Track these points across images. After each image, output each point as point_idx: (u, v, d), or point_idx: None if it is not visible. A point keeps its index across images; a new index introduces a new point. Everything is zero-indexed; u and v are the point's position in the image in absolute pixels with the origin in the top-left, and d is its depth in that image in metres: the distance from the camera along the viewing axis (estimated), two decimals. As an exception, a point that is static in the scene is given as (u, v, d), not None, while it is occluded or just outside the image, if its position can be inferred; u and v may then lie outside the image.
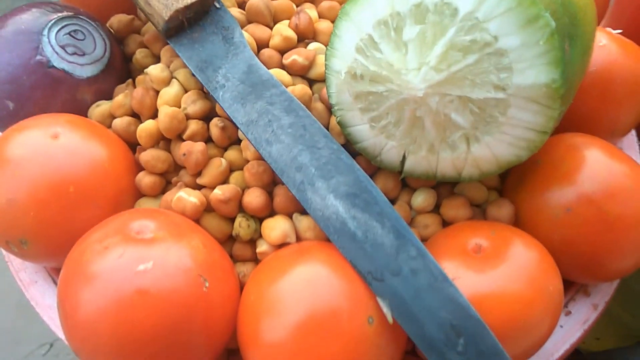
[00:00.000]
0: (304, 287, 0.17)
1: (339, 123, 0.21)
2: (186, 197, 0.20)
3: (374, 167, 0.21)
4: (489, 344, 0.16)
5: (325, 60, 0.20)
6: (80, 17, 0.25)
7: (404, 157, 0.20)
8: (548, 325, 0.18)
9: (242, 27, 0.23)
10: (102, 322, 0.16)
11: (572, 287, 0.22)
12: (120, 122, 0.22)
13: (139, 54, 0.25)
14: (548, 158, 0.21)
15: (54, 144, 0.20)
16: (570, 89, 0.17)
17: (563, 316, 0.21)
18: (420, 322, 0.17)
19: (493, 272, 0.18)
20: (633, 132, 0.27)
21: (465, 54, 0.17)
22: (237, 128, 0.21)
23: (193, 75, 0.22)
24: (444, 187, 0.22)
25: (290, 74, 0.22)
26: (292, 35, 0.23)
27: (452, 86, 0.17)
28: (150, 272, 0.17)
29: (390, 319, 0.17)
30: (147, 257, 0.17)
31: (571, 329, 0.21)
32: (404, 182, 0.22)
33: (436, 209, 0.22)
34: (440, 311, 0.17)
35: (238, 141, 0.22)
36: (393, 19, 0.17)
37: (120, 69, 0.25)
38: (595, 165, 0.20)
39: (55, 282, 0.22)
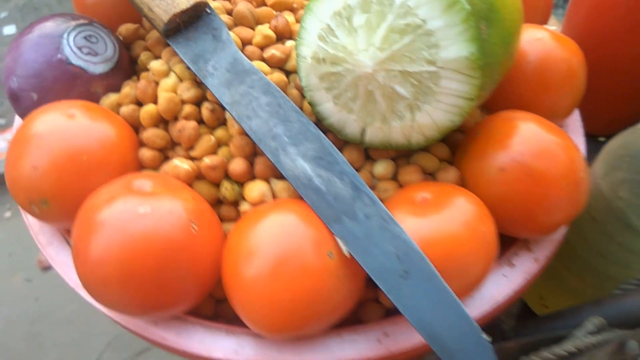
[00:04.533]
0: (275, 230, 0.21)
1: (309, 103, 0.24)
2: (180, 164, 0.24)
3: (341, 141, 0.25)
4: (427, 271, 0.20)
5: (295, 49, 0.24)
6: (95, 24, 0.29)
7: (364, 130, 0.24)
8: (482, 265, 0.21)
9: (230, 29, 0.28)
10: (108, 257, 0.20)
11: (515, 243, 0.25)
12: (126, 109, 0.26)
13: (143, 56, 0.29)
14: (486, 130, 0.24)
15: (70, 122, 0.24)
16: (492, 64, 0.21)
17: (507, 268, 0.24)
18: (371, 256, 0.20)
19: (433, 216, 0.21)
20: (578, 118, 0.31)
21: (402, 35, 0.21)
22: (224, 109, 0.25)
23: (188, 68, 0.26)
24: (402, 158, 0.25)
25: (269, 66, 0.26)
26: (272, 34, 0.27)
27: (394, 62, 0.21)
28: (148, 215, 0.20)
29: (346, 253, 0.21)
30: (146, 204, 0.21)
31: (514, 278, 0.24)
32: (368, 154, 0.26)
33: (395, 177, 0.25)
34: (387, 246, 0.20)
35: (225, 123, 0.26)
36: (345, 10, 0.21)
37: (128, 68, 0.30)
38: (526, 131, 0.23)
39: (68, 243, 0.26)
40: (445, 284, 0.20)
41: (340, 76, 0.23)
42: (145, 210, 0.20)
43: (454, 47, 0.20)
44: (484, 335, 0.19)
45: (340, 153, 0.22)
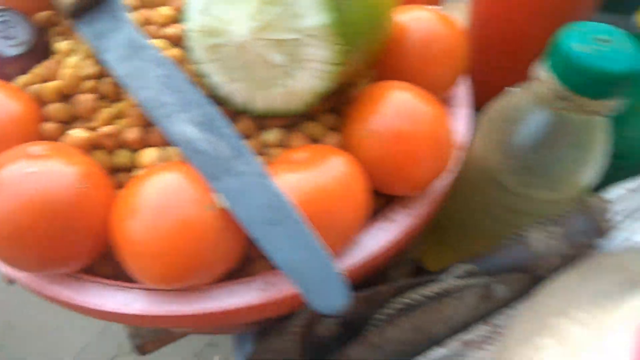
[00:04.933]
0: (158, 187, 0.23)
1: (200, 75, 0.26)
2: (76, 133, 0.25)
3: (232, 111, 0.27)
4: (294, 218, 0.22)
5: (183, 25, 0.26)
6: (10, 11, 0.31)
7: (249, 99, 0.26)
8: (352, 215, 0.24)
9: (136, 9, 0.29)
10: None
11: (394, 200, 0.27)
12: (34, 87, 0.28)
13: (56, 40, 0.31)
14: (365, 98, 0.27)
15: (-28, 96, 0.25)
16: (355, 33, 0.24)
17: (385, 223, 0.27)
18: (245, 207, 0.22)
19: (307, 172, 0.23)
20: (466, 91, 0.33)
21: (273, 6, 0.23)
22: (122, 83, 0.27)
23: (90, 46, 0.28)
24: (292, 127, 0.28)
25: (170, 43, 0.28)
26: (171, 14, 0.29)
27: (267, 32, 0.23)
28: (36, 173, 0.22)
29: (223, 206, 0.22)
30: (35, 165, 0.22)
31: (390, 231, 0.26)
32: (260, 124, 0.28)
33: (284, 144, 0.27)
34: (260, 198, 0.22)
35: (123, 97, 0.28)
36: (222, -15, 0.24)
37: (42, 52, 0.31)
38: (396, 96, 0.26)
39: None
40: (308, 228, 0.22)
41: (222, 47, 0.25)
42: (32, 170, 0.22)
43: (314, 16, 0.22)
44: (338, 270, 0.21)
45: (224, 119, 0.24)
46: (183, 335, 0.49)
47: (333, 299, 0.20)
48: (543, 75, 0.25)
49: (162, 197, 0.22)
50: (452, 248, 0.35)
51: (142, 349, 0.45)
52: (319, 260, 0.21)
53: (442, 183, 0.29)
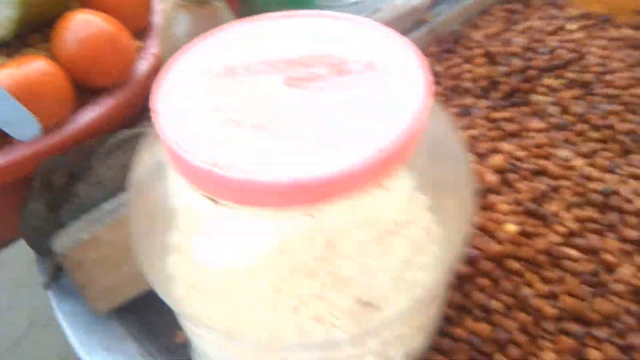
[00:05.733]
0: None
1: None
2: None
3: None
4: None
5: None
6: None
7: None
8: (55, 98, 0.35)
9: None
10: None
11: (103, 90, 0.40)
12: None
13: None
14: (62, 21, 0.38)
15: None
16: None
17: (94, 106, 0.39)
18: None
19: (13, 68, 0.35)
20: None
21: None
22: None
23: None
24: (13, 54, 0.38)
25: None
26: None
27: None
28: None
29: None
30: None
31: (97, 111, 0.38)
32: None
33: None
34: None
35: None
36: None
37: None
38: (83, 17, 0.38)
39: None
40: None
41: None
42: None
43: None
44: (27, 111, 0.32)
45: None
46: None
47: (27, 130, 0.32)
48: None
49: None
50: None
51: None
52: (14, 107, 0.32)
53: (138, 75, 0.41)
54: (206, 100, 0.20)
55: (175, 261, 0.22)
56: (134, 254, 0.23)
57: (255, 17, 0.23)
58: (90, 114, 0.38)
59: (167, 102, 0.20)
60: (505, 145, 0.38)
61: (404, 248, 0.21)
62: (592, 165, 0.36)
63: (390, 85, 0.20)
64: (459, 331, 0.30)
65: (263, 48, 0.22)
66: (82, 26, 0.37)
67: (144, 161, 0.24)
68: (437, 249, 0.22)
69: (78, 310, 0.36)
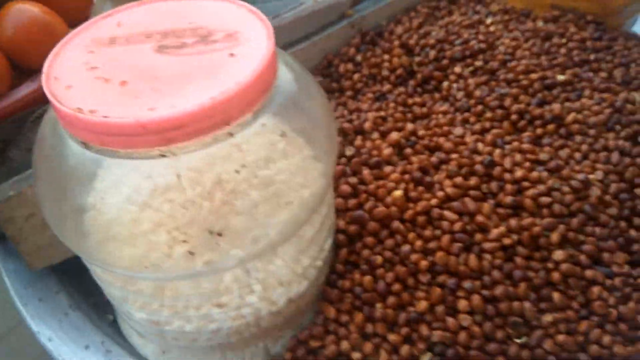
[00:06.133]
0: None
1: None
2: None
3: None
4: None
5: None
6: None
7: None
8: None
9: None
10: None
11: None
12: None
13: None
14: (3, 10, 0.42)
15: None
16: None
17: (30, 83, 0.42)
18: None
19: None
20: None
21: None
22: None
23: None
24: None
25: None
26: None
27: None
28: None
29: None
30: None
31: (30, 87, 0.42)
32: None
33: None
34: None
35: None
36: None
37: None
38: (20, 6, 0.41)
39: None
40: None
41: None
42: None
43: None
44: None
45: None
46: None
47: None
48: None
49: None
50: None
51: None
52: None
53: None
54: (86, 64, 0.23)
55: (89, 218, 0.25)
56: (44, 215, 0.27)
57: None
58: (24, 90, 0.41)
59: (55, 65, 0.24)
60: (410, 125, 0.42)
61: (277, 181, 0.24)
62: (481, 141, 0.39)
63: (244, 51, 0.23)
64: (346, 283, 0.33)
65: (145, 23, 0.25)
66: (19, 14, 0.41)
67: (43, 128, 0.27)
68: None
69: (21, 268, 0.39)
